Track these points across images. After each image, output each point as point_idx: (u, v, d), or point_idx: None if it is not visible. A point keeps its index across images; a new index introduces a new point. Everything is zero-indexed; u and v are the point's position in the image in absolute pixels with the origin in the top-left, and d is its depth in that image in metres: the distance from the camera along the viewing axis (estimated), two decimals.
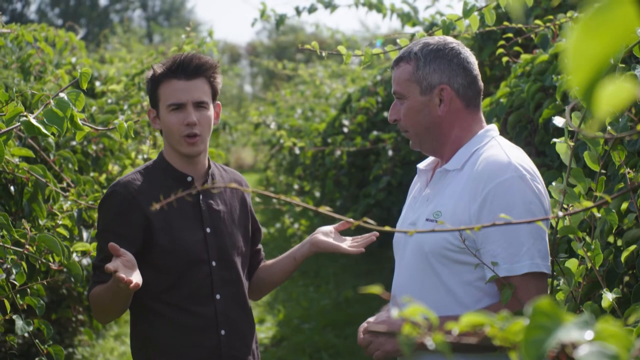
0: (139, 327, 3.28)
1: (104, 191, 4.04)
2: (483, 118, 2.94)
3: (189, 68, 3.20)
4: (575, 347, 0.92)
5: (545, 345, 0.92)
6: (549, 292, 2.67)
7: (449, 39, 2.91)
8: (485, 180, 2.66)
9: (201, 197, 3.29)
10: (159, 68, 3.23)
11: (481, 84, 2.91)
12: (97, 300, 3.13)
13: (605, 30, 0.77)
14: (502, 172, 2.66)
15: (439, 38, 2.90)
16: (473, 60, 2.89)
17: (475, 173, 2.71)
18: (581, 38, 0.78)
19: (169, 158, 3.29)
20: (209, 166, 3.35)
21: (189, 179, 3.27)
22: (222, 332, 3.26)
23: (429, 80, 2.82)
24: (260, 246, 3.61)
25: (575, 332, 0.93)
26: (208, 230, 3.27)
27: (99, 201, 3.96)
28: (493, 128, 2.91)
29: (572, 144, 2.64)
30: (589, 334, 0.93)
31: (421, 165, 3.05)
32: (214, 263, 3.26)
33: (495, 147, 2.78)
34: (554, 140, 2.73)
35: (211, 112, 3.26)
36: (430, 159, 3.04)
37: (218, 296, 3.26)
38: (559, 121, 2.58)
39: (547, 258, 2.63)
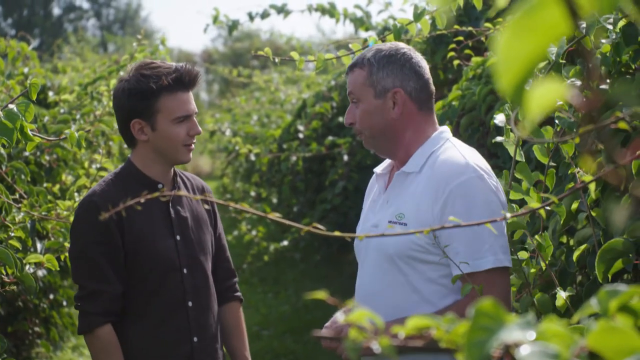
0: None
1: (58, 202, 4.00)
2: (436, 120, 3.01)
3: (190, 79, 3.23)
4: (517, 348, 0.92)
5: (488, 347, 0.93)
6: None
7: (401, 44, 2.99)
8: (446, 181, 2.74)
9: (170, 204, 3.28)
10: (153, 80, 3.18)
11: (433, 87, 2.98)
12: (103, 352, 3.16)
13: (533, 33, 0.78)
14: (461, 173, 2.74)
15: (390, 44, 2.99)
16: (424, 65, 2.97)
17: (434, 175, 2.80)
18: (509, 40, 0.79)
19: (142, 166, 3.27)
20: (175, 173, 3.36)
21: (160, 186, 3.26)
22: (195, 339, 3.26)
23: (383, 84, 2.89)
24: (232, 275, 3.62)
25: (517, 332, 0.94)
26: (178, 237, 3.27)
27: (53, 212, 3.93)
28: (446, 130, 2.98)
29: (513, 138, 2.69)
30: (530, 334, 0.93)
31: (378, 169, 3.11)
32: (185, 270, 3.26)
33: (452, 149, 2.86)
34: (497, 138, 2.79)
35: None
36: (387, 162, 3.10)
37: (190, 303, 3.26)
38: (499, 120, 2.62)
39: (508, 252, 2.73)
